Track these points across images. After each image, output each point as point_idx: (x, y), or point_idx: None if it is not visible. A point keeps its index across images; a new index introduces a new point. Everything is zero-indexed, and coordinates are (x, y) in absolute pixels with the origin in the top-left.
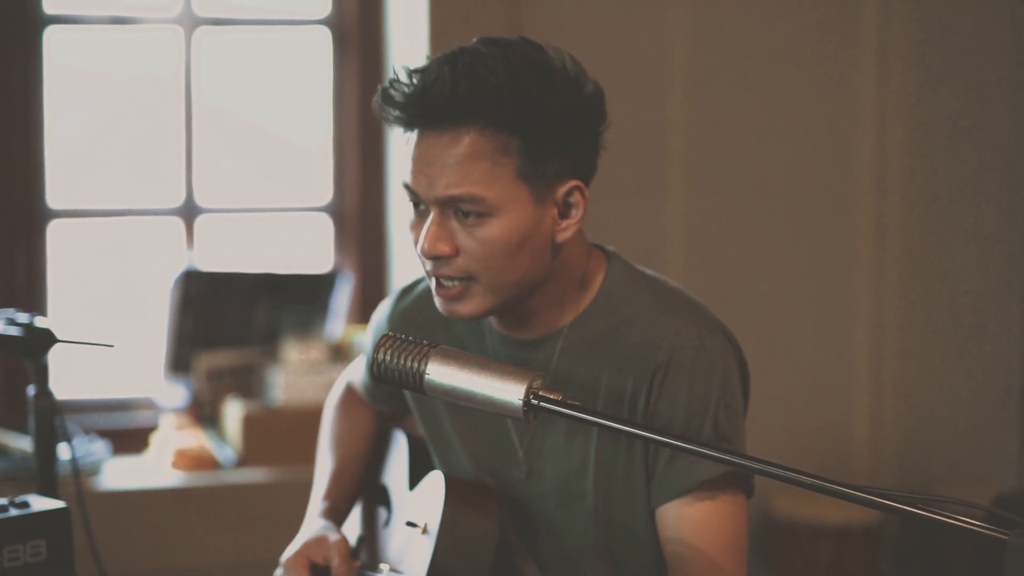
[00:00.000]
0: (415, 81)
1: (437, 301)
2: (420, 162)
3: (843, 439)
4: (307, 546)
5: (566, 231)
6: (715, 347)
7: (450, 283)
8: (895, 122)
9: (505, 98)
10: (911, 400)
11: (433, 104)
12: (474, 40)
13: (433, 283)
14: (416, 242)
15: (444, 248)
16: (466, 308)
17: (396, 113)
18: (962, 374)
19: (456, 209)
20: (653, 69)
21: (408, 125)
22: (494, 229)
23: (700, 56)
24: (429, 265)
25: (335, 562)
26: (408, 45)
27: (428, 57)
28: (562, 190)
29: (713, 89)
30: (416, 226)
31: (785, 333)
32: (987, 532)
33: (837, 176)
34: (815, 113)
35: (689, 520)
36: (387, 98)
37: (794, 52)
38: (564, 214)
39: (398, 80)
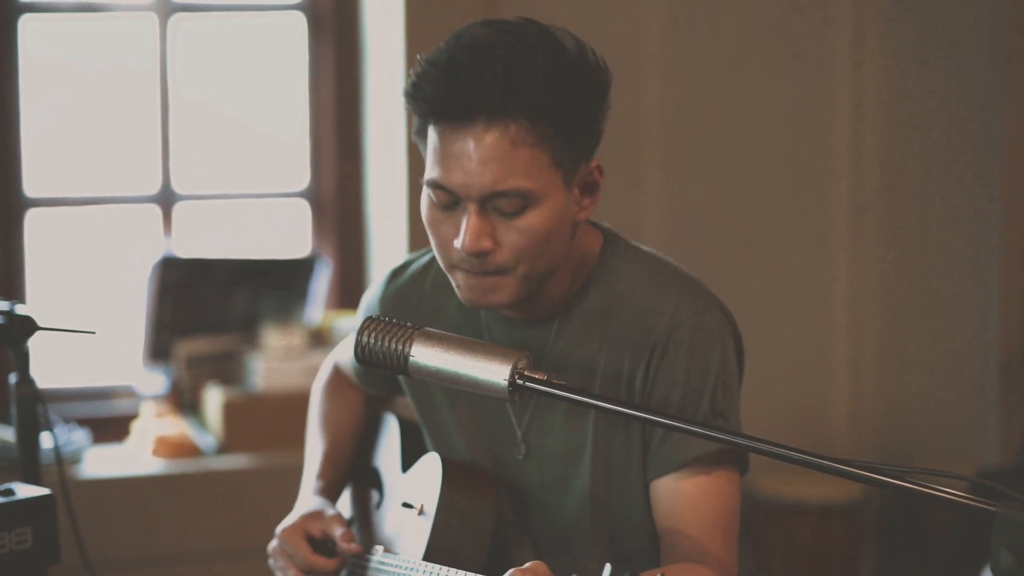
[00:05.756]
0: (447, 75)
1: (464, 293)
2: (460, 157)
3: (823, 418)
4: (304, 519)
5: (586, 210)
6: (713, 323)
7: (485, 276)
8: (871, 100)
9: (548, 91)
10: (890, 378)
11: (477, 100)
12: (476, 24)
13: (459, 275)
14: (440, 237)
15: (486, 244)
16: (495, 298)
17: (428, 108)
18: (941, 351)
19: (495, 204)
20: (628, 50)
21: (442, 120)
22: (534, 219)
23: (675, 37)
24: (464, 262)
25: (338, 532)
26: (384, 29)
27: (445, 43)
28: (586, 171)
29: (689, 70)
30: (441, 221)
31: (763, 313)
32: (975, 504)
33: (814, 155)
34: (791, 92)
35: (682, 495)
36: (420, 93)
37: (770, 31)
38: (585, 193)
39: (426, 73)
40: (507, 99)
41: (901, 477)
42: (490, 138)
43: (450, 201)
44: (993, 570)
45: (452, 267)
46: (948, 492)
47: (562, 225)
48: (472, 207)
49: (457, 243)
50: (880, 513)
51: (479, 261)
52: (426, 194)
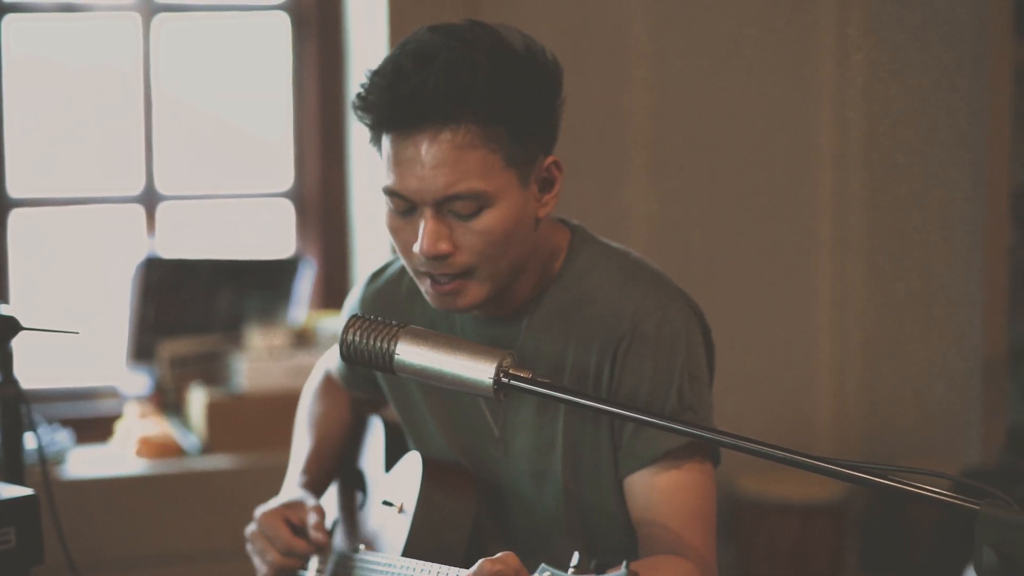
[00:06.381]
0: (392, 84)
1: (431, 297)
2: (412, 164)
3: (807, 416)
4: (285, 505)
5: (547, 206)
6: (679, 316)
7: (446, 279)
8: (856, 99)
9: (493, 92)
10: (874, 377)
11: (423, 107)
12: (423, 30)
13: (427, 281)
14: (402, 243)
15: (444, 247)
16: (463, 301)
17: (377, 118)
18: (925, 350)
19: (451, 207)
20: (613, 50)
21: (392, 129)
22: (490, 219)
23: (660, 36)
24: (424, 265)
25: (313, 521)
26: (367, 28)
27: (391, 52)
28: (542, 167)
29: (674, 70)
30: (401, 228)
31: (748, 312)
32: (958, 502)
33: (798, 154)
34: (776, 92)
35: (657, 489)
36: (367, 104)
37: (754, 31)
38: (544, 189)
39: (372, 84)
40: (452, 104)
41: (885, 476)
42: (439, 143)
43: (407, 207)
44: (976, 568)
45: (418, 273)
46: (932, 491)
47: (521, 223)
48: (428, 211)
49: (416, 248)
50: (864, 512)
51: (439, 264)
52: (386, 202)
